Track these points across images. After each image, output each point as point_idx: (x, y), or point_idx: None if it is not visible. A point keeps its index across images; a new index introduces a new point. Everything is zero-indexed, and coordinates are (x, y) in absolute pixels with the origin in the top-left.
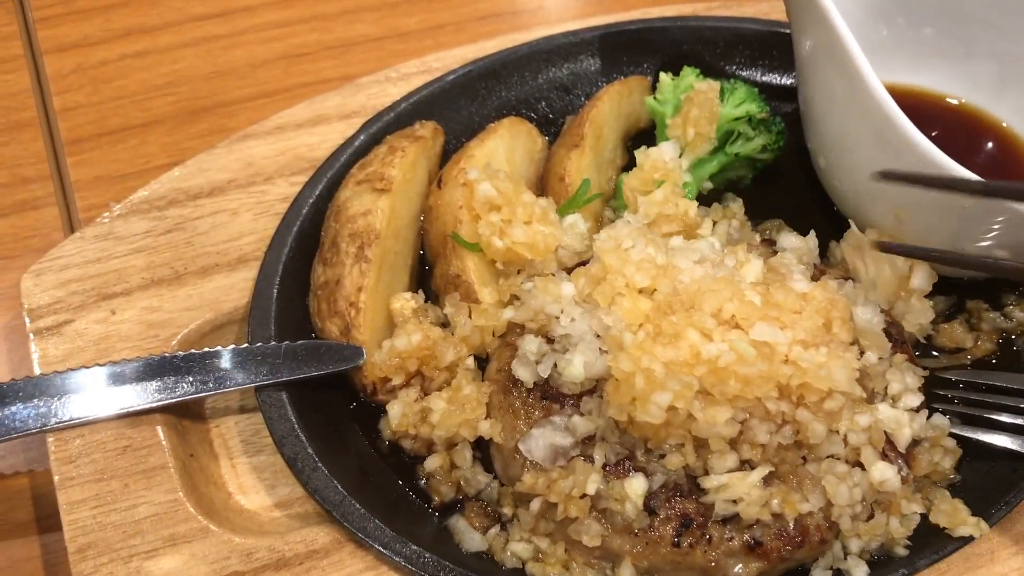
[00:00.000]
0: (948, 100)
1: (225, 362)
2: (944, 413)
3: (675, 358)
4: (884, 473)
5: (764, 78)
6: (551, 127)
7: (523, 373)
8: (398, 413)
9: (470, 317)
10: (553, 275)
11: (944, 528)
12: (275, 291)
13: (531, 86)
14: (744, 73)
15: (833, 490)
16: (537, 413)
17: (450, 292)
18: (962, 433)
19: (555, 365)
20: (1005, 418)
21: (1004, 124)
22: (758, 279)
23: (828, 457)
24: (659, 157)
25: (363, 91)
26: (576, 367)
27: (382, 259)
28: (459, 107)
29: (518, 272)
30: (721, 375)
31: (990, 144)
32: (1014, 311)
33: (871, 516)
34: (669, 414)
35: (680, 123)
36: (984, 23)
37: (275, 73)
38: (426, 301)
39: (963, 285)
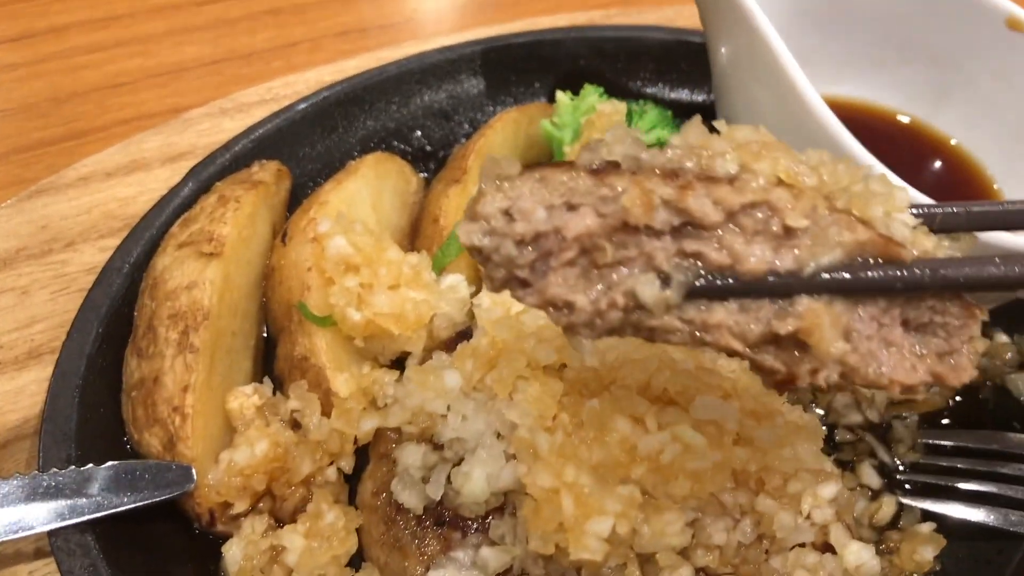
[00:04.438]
0: (886, 111)
1: (7, 498)
2: (907, 486)
3: (605, 459)
4: (860, 556)
5: (674, 94)
6: (430, 162)
7: (408, 497)
8: (238, 557)
9: (324, 416)
10: (431, 360)
11: None
12: (76, 396)
13: (402, 114)
14: (651, 90)
15: None
16: (433, 547)
17: (295, 379)
18: (933, 509)
19: (449, 480)
20: (976, 487)
21: (952, 142)
22: None
23: (795, 547)
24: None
25: (192, 127)
26: (477, 482)
27: (214, 345)
28: (313, 142)
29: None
30: (666, 473)
31: (937, 162)
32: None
33: None
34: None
35: (580, 149)
36: (918, 24)
37: (86, 108)
38: (275, 392)
39: None
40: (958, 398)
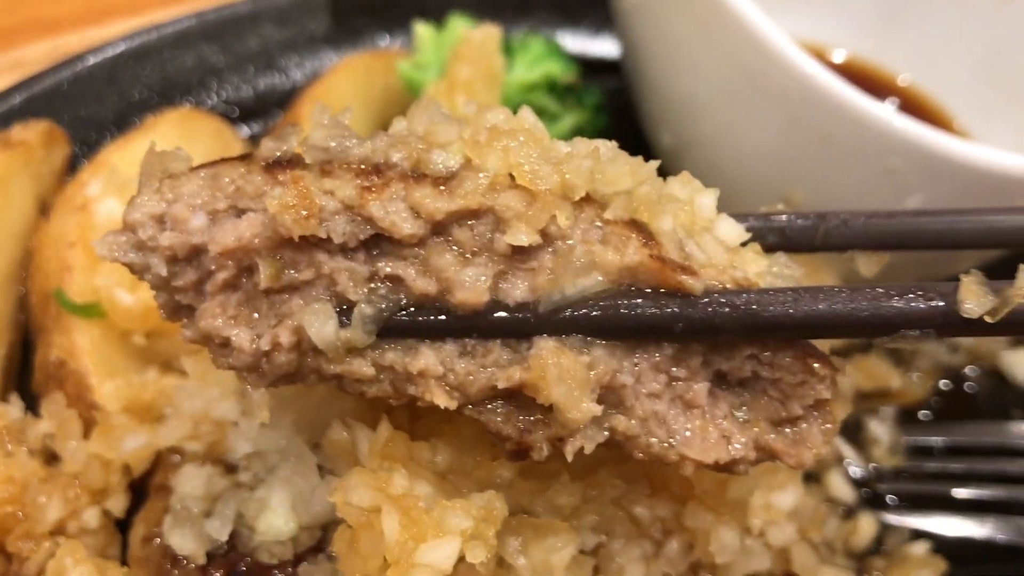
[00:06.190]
0: (822, 48)
1: None
2: (889, 498)
3: (457, 460)
4: None
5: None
6: (253, 121)
7: (180, 539)
8: None
9: (85, 439)
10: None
11: None
12: None
13: (221, 62)
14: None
15: None
16: None
17: (51, 392)
18: (924, 527)
19: (241, 515)
20: (976, 493)
21: (899, 80)
22: None
23: None
24: None
25: None
26: (277, 511)
27: None
28: (102, 101)
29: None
30: (548, 475)
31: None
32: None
33: None
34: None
35: (446, 88)
36: None
37: None
38: (27, 411)
39: None
40: (943, 385)
